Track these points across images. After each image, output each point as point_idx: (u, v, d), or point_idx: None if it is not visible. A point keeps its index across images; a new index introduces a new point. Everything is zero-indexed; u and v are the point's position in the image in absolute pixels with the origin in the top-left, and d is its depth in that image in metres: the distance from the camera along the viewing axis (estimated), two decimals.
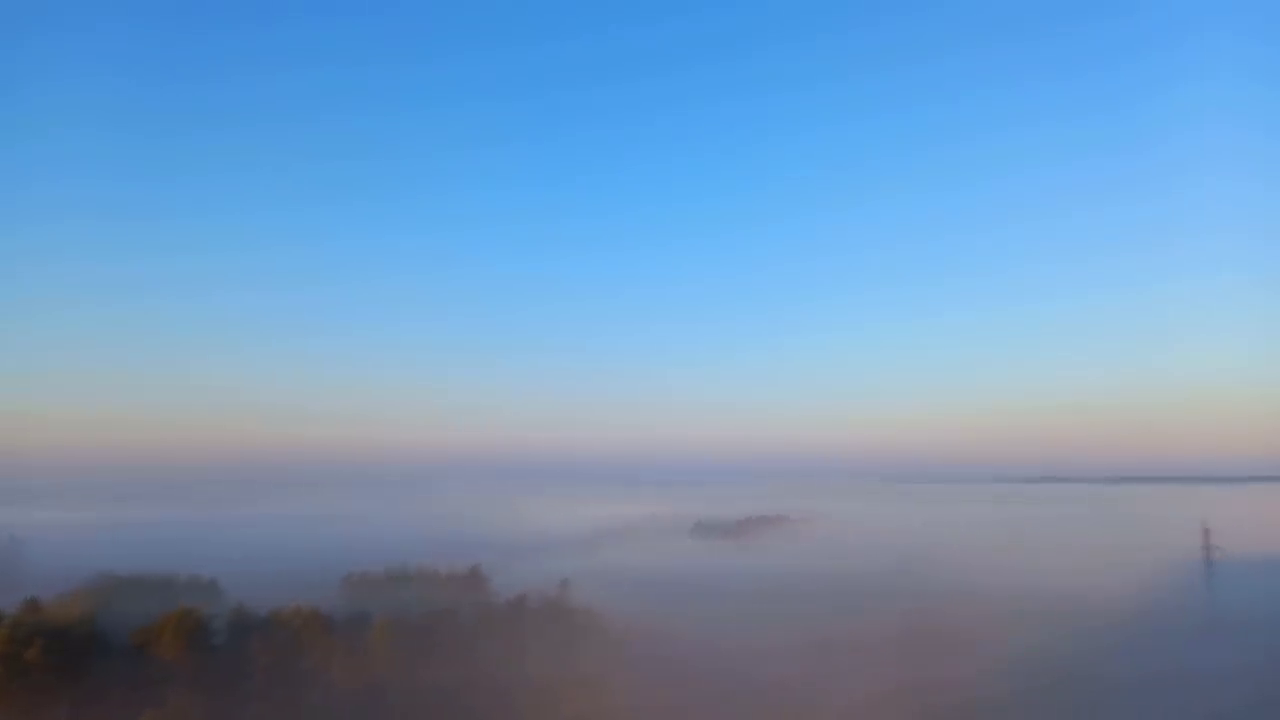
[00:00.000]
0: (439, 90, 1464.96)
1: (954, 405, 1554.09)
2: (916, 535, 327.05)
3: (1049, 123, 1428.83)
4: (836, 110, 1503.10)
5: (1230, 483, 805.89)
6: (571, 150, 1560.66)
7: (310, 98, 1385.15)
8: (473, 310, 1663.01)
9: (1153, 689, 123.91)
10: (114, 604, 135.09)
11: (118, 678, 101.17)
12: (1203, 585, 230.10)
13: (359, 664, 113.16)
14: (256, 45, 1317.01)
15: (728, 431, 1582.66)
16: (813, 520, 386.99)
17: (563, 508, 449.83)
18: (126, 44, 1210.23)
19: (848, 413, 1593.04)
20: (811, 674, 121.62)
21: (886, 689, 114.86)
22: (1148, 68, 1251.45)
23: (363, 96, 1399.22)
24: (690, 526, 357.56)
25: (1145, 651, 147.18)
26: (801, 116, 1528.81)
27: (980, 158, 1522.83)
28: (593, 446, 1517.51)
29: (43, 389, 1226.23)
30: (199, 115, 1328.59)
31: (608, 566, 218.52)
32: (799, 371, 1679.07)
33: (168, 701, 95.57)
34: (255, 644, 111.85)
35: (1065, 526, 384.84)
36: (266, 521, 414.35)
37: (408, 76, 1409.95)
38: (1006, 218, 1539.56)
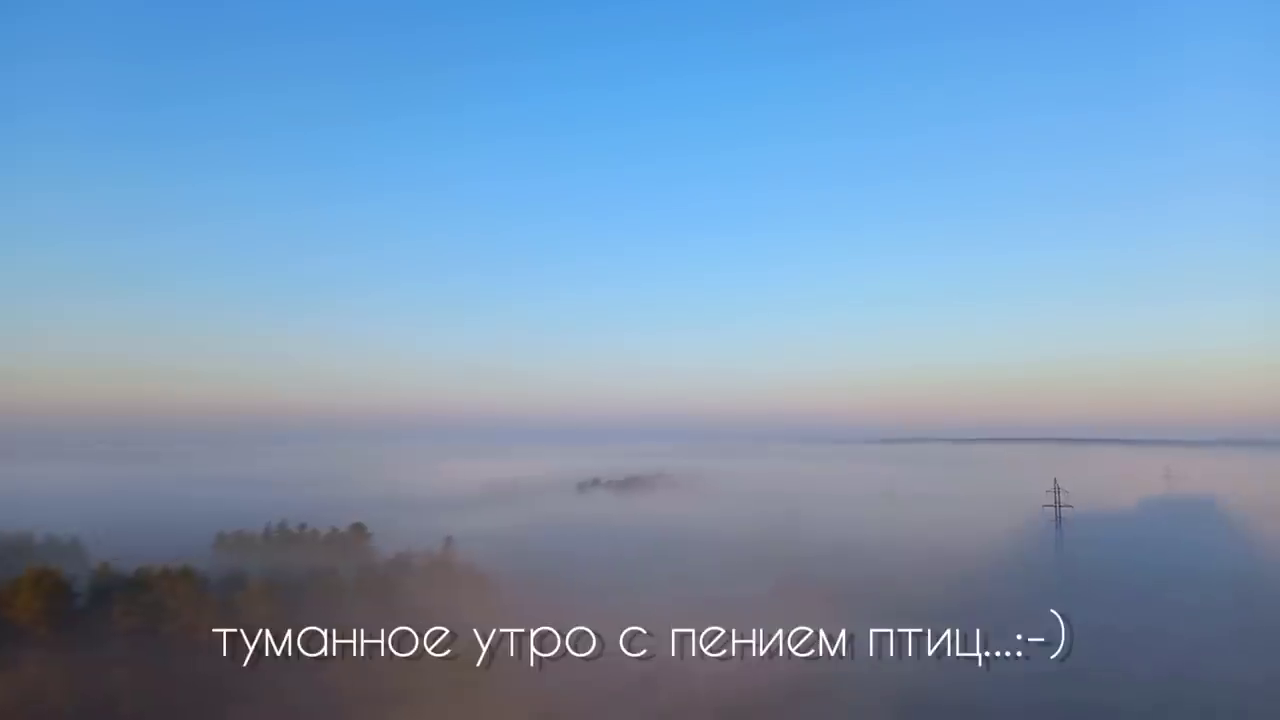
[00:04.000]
0: None
1: (841, 368, 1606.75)
2: (794, 493, 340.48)
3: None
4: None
5: (1096, 444, 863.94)
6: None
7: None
8: (358, 264, 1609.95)
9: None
10: None
11: None
12: (1046, 535, 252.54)
13: (231, 625, 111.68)
14: None
15: (617, 391, 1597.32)
16: (699, 479, 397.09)
17: (451, 466, 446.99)
18: None
19: (738, 373, 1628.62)
20: (684, 628, 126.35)
21: (752, 643, 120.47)
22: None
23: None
24: (577, 484, 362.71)
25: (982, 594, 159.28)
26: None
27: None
28: (482, 405, 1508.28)
29: None
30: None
31: (494, 524, 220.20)
32: (688, 332, 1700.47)
33: (22, 666, 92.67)
34: (120, 606, 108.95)
35: (934, 483, 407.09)
36: (138, 480, 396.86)
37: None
38: (914, 170, 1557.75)
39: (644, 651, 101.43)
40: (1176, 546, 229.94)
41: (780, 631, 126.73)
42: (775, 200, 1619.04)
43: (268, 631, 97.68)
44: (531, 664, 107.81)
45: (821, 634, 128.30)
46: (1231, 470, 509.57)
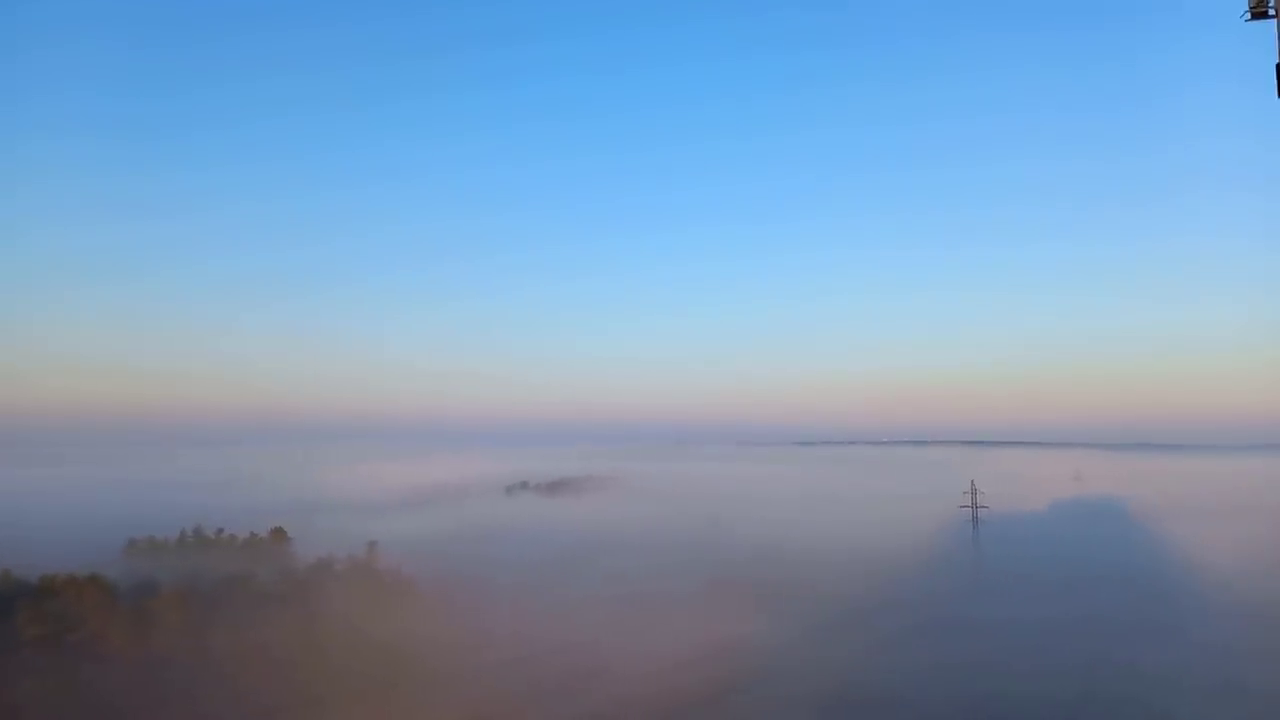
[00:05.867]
0: None
1: (764, 373, 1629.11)
2: (723, 494, 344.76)
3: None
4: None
5: (1018, 446, 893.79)
6: None
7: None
8: (288, 265, 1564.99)
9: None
10: None
11: None
12: (963, 534, 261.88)
13: (142, 634, 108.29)
14: None
15: (545, 395, 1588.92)
16: (624, 481, 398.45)
17: (377, 470, 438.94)
18: None
19: (670, 377, 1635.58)
20: (612, 629, 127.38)
21: (679, 642, 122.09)
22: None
23: None
24: (505, 487, 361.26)
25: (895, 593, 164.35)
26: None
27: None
28: (409, 409, 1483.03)
29: None
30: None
31: (419, 528, 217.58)
32: (614, 338, 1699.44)
33: None
34: (24, 614, 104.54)
35: (856, 485, 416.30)
36: (42, 483, 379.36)
37: None
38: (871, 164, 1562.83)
39: (568, 652, 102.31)
40: (1079, 544, 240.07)
41: (705, 629, 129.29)
42: (706, 199, 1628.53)
43: (182, 637, 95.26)
44: (457, 666, 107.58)
45: (745, 630, 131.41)
46: (1138, 472, 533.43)
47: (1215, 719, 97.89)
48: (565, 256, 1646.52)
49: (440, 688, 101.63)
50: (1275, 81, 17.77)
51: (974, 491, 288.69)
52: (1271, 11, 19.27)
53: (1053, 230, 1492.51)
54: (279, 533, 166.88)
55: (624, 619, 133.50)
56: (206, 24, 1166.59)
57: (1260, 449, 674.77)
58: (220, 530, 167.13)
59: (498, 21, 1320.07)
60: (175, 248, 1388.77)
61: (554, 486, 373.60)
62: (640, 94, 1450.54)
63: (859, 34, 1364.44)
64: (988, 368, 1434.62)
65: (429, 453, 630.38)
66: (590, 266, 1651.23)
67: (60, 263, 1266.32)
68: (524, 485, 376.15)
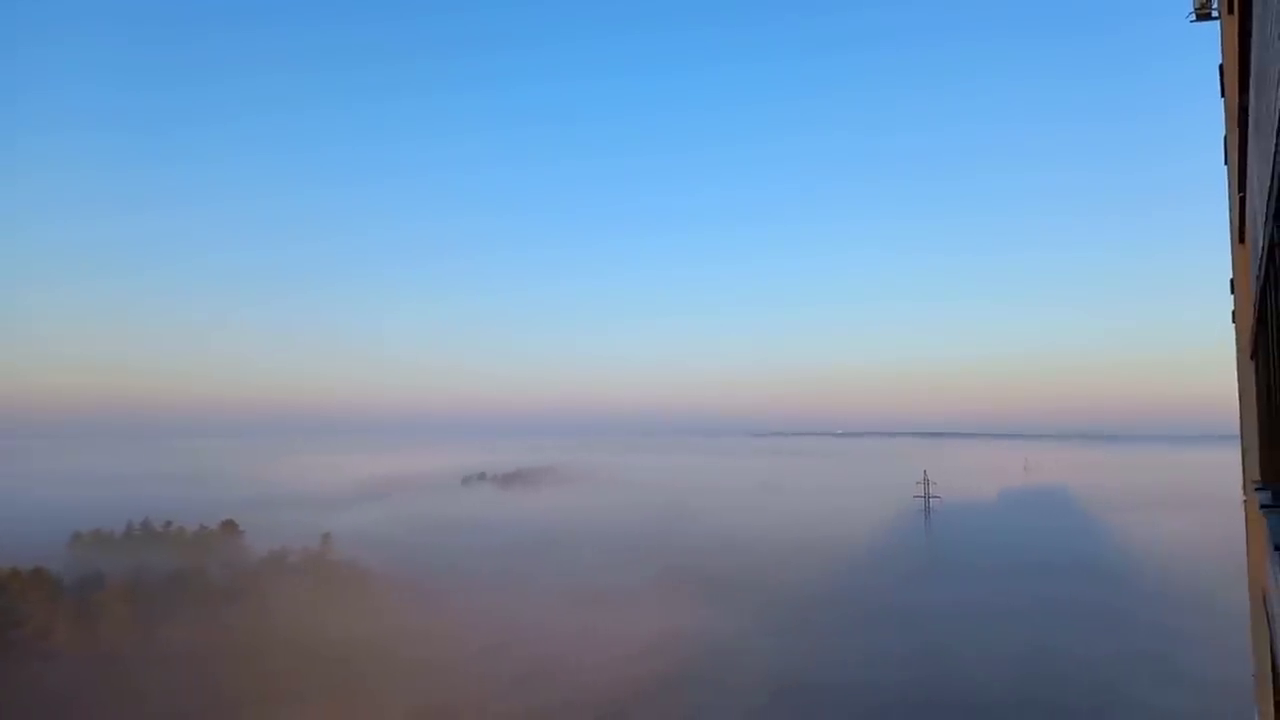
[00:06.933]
0: None
1: (729, 368, 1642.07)
2: (678, 486, 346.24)
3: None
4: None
5: (971, 438, 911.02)
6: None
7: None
8: (276, 263, 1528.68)
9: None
10: None
11: None
12: (915, 523, 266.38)
13: (88, 630, 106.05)
14: None
15: (503, 387, 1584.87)
16: (583, 472, 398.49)
17: (332, 462, 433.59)
18: None
19: (623, 370, 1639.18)
20: (567, 620, 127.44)
21: (635, 632, 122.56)
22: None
23: None
24: (461, 479, 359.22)
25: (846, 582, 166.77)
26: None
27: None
28: (367, 401, 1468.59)
29: None
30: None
31: (375, 520, 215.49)
32: (572, 329, 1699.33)
33: None
34: None
35: (813, 476, 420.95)
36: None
37: None
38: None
39: (523, 645, 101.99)
40: (1028, 533, 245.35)
41: (661, 619, 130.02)
42: (684, 203, 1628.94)
43: (129, 632, 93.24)
44: (409, 659, 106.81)
45: (700, 620, 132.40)
46: (1086, 462, 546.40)
47: (1155, 697, 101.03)
48: (558, 257, 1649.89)
49: (390, 681, 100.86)
50: (1219, 83, 18.29)
51: (926, 481, 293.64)
52: (1215, 14, 19.74)
53: (1012, 232, 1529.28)
54: (230, 525, 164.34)
55: (579, 610, 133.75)
56: (206, 19, 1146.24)
57: (1205, 440, 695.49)
58: (169, 523, 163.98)
59: (499, 24, 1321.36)
60: (165, 243, 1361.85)
61: (511, 478, 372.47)
62: (639, 98, 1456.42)
63: (864, 40, 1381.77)
64: (944, 363, 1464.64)
65: (394, 446, 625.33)
66: (582, 266, 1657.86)
67: (54, 256, 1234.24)
68: (481, 476, 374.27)
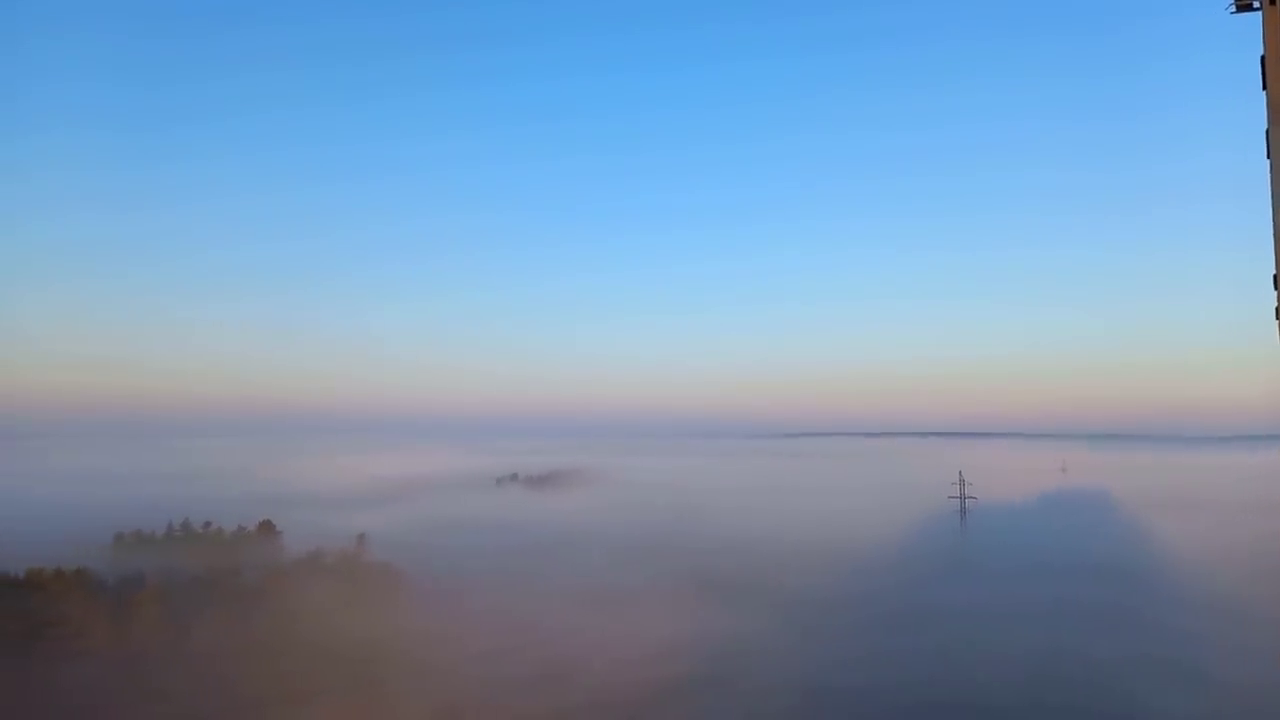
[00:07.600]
0: None
1: (762, 369, 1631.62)
2: (712, 488, 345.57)
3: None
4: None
5: (1006, 438, 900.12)
6: None
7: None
8: (282, 259, 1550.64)
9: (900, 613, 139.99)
10: None
11: None
12: (950, 524, 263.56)
13: (128, 628, 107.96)
14: None
15: (540, 390, 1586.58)
16: (615, 474, 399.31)
17: (368, 462, 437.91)
18: None
19: (623, 370, 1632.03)
20: (593, 621, 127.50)
21: (661, 633, 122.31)
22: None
23: None
24: (494, 480, 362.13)
25: (890, 583, 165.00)
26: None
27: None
28: (403, 401, 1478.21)
29: None
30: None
31: (410, 520, 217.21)
32: (572, 327, 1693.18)
33: None
34: (8, 608, 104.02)
35: (849, 476, 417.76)
36: (34, 477, 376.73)
37: None
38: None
39: (551, 644, 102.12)
40: (1064, 534, 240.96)
41: (687, 620, 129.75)
42: (701, 200, 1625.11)
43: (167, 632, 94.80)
44: (439, 659, 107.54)
45: (726, 621, 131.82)
46: (1122, 464, 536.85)
47: (1178, 704, 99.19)
48: (562, 255, 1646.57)
49: (421, 680, 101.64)
50: (1260, 75, 17.77)
51: (961, 482, 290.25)
52: (1257, 4, 19.23)
53: (1041, 231, 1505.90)
54: (267, 526, 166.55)
55: (606, 611, 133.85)
56: (204, 17, 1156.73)
57: (1244, 441, 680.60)
58: (208, 524, 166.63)
59: (498, 21, 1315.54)
60: (166, 240, 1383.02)
61: (543, 479, 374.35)
62: (639, 95, 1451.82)
63: (864, 39, 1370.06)
64: (978, 363, 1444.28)
65: (422, 446, 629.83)
66: (587, 264, 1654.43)
67: (53, 254, 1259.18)
68: (514, 478, 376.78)
